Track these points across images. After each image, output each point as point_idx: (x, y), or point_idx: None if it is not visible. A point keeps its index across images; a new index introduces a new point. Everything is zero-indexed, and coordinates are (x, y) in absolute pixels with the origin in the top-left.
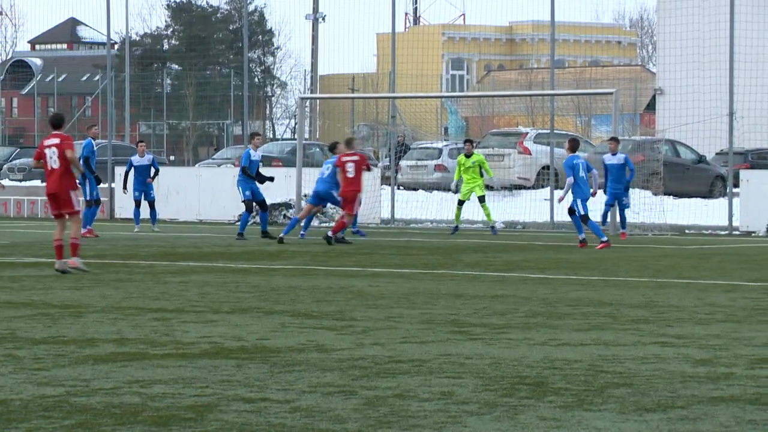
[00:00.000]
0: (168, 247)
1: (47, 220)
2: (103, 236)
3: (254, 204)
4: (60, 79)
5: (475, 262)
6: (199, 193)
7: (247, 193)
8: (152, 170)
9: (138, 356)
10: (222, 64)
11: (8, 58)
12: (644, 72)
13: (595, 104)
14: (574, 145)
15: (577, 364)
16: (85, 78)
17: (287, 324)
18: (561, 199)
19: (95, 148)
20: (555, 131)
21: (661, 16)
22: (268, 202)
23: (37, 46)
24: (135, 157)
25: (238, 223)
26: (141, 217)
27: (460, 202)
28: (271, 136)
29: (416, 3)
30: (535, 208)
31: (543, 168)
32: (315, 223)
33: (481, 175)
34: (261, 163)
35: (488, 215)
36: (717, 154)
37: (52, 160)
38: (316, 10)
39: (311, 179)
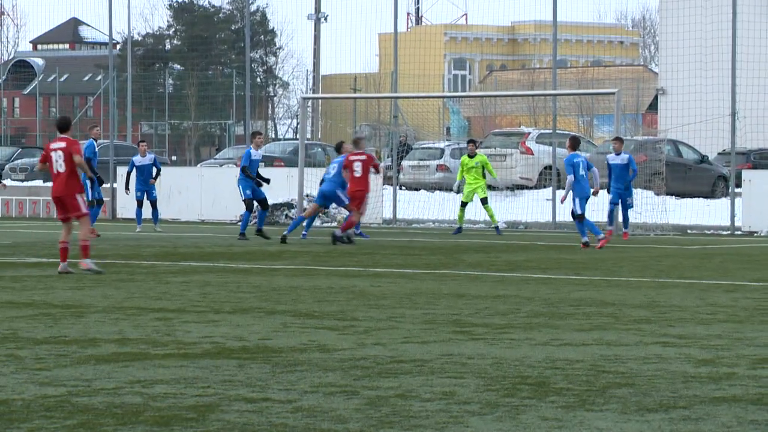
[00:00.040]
0: (170, 247)
1: (49, 220)
2: (104, 236)
3: (255, 203)
4: (62, 79)
5: (477, 262)
6: (201, 193)
7: (248, 192)
8: (154, 170)
9: (140, 356)
10: (224, 64)
11: (10, 58)
12: (646, 72)
13: (598, 104)
14: (574, 143)
15: (579, 364)
16: (87, 78)
17: (289, 324)
18: (563, 199)
19: (97, 149)
20: (557, 131)
21: (664, 16)
22: (270, 202)
23: (39, 46)
24: (136, 157)
25: (240, 223)
26: (143, 217)
27: (463, 204)
28: (273, 136)
29: (418, 3)
30: (538, 208)
31: (545, 168)
32: (317, 222)
33: (484, 176)
34: (263, 163)
35: (492, 217)
36: (719, 154)
37: (58, 163)
38: (318, 10)
39: (313, 179)
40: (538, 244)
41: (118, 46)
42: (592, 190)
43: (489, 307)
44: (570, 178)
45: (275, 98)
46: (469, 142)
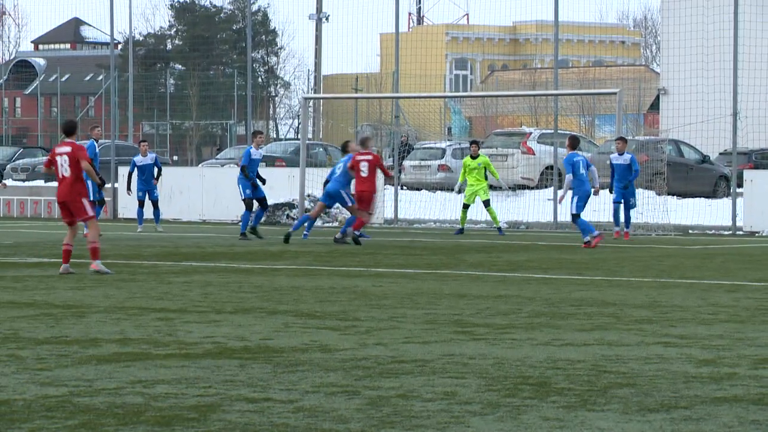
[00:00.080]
0: (171, 247)
1: (50, 220)
2: (106, 236)
3: (254, 202)
4: (63, 79)
5: (478, 263)
6: (203, 193)
7: (248, 191)
8: (156, 170)
9: (141, 356)
10: (225, 64)
11: (11, 58)
12: (648, 72)
13: (599, 104)
14: (574, 142)
15: (581, 365)
16: (88, 78)
17: (290, 324)
18: (561, 199)
19: (97, 150)
20: (558, 131)
21: (665, 16)
22: (271, 202)
23: (41, 46)
24: (137, 157)
25: (240, 223)
26: (144, 217)
27: (465, 206)
28: (275, 136)
29: (420, 3)
30: (539, 208)
31: (547, 168)
32: (318, 223)
33: (486, 178)
34: (264, 163)
35: (494, 218)
36: (721, 154)
37: (63, 168)
38: (319, 10)
39: (314, 179)
40: (539, 244)
41: (120, 46)
42: (592, 189)
43: (490, 307)
44: (569, 177)
45: (276, 98)
46: (472, 143)
